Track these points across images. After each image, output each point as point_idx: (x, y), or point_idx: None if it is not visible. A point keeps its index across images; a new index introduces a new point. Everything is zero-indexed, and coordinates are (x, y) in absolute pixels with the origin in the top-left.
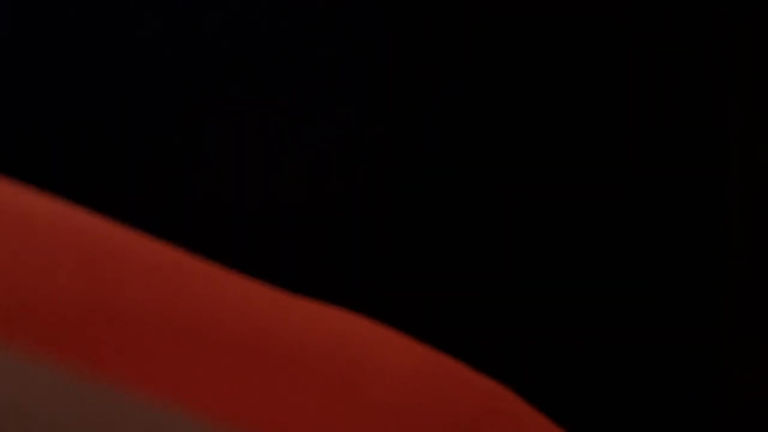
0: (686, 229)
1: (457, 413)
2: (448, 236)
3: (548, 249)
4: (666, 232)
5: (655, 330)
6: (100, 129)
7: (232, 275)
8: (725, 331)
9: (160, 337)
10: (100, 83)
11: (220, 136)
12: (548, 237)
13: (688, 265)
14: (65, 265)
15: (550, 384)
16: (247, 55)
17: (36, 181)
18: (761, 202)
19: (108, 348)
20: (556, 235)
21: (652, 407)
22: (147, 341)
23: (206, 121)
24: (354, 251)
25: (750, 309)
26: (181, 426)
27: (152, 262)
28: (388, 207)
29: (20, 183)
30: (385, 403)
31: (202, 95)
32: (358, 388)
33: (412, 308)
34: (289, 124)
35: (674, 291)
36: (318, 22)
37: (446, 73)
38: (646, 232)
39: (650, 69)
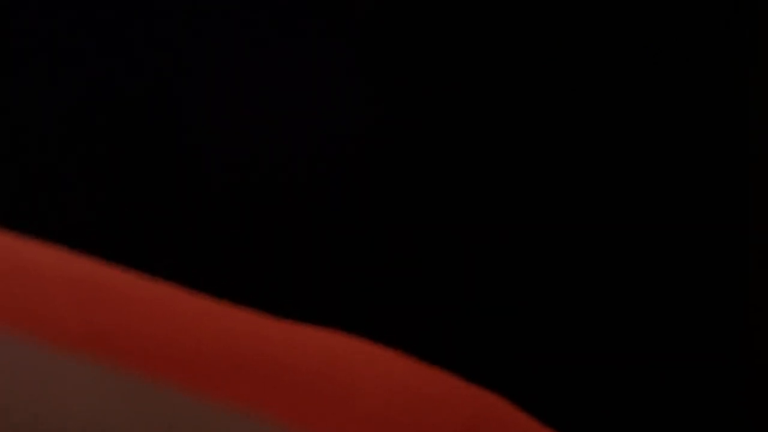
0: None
1: (449, 422)
2: (442, 249)
3: (557, 245)
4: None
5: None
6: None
7: (221, 305)
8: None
9: (152, 368)
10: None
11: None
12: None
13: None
14: (66, 313)
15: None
16: (243, 58)
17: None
18: None
19: None
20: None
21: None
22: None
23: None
24: (343, 270)
25: None
26: None
27: (144, 298)
28: (375, 224)
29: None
30: (376, 414)
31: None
32: (349, 403)
33: (402, 322)
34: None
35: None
36: (319, 15)
37: (445, 73)
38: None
39: (668, 69)
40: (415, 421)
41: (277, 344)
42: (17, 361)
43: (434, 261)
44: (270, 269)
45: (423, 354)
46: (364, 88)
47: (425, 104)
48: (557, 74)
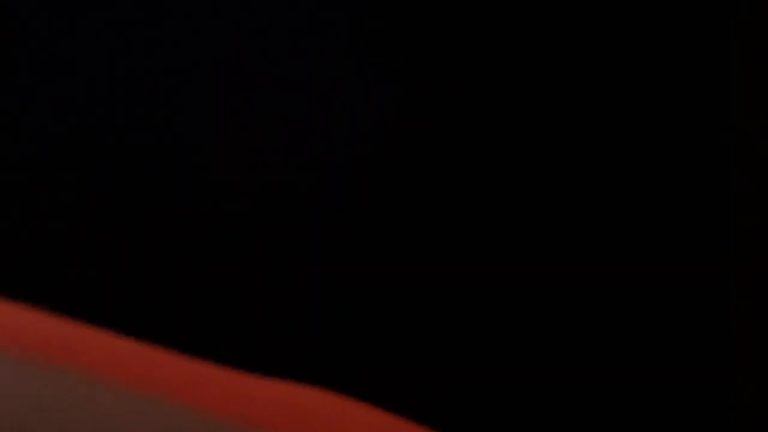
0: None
1: None
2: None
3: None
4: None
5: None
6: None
7: (192, 361)
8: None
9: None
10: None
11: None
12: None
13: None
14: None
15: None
16: (243, 63)
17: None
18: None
19: None
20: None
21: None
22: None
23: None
24: (311, 326)
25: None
26: None
27: (107, 354)
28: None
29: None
30: None
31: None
32: None
33: (375, 377)
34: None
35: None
36: (325, 18)
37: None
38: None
39: (652, 69)
40: None
41: (244, 400)
42: None
43: (410, 309)
44: (247, 318)
45: (395, 407)
46: (377, 91)
47: (440, 110)
48: (555, 79)
